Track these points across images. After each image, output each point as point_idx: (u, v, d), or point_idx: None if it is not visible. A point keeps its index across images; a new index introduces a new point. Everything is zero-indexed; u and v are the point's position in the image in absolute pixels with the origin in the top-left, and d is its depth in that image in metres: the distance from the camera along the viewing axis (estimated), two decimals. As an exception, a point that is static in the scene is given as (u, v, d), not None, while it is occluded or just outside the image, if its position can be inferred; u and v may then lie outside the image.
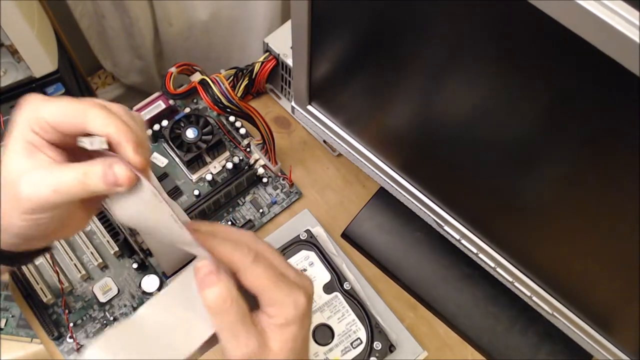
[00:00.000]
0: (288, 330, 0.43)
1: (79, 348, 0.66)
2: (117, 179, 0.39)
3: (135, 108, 0.77)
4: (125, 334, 0.43)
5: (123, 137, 0.40)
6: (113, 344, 0.42)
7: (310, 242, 0.71)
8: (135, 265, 0.71)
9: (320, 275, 0.69)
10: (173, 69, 0.76)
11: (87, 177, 0.39)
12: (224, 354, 0.43)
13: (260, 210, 0.77)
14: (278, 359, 0.43)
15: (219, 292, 0.41)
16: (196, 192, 0.75)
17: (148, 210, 0.42)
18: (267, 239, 0.70)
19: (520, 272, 0.61)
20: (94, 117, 0.40)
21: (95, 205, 0.46)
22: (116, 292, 0.70)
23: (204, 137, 0.75)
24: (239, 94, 0.80)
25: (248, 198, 0.77)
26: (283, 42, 0.78)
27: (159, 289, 0.70)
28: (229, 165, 0.76)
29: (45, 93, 0.83)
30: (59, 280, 0.69)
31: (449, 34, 0.45)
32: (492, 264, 0.63)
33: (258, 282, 0.43)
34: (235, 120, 0.79)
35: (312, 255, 0.70)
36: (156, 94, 0.79)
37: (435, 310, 0.74)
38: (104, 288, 0.70)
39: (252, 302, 0.43)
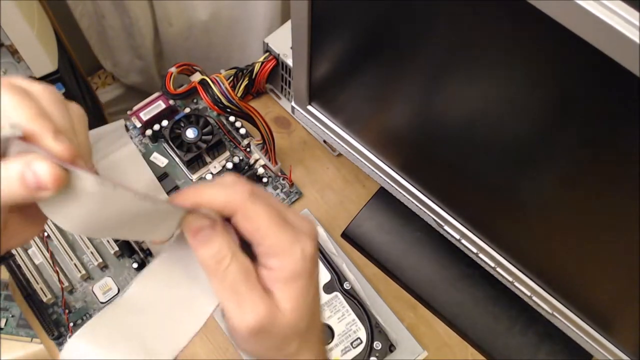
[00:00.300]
0: (297, 285, 0.37)
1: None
2: (40, 181, 0.29)
3: (135, 108, 0.77)
4: (112, 320, 0.37)
5: (37, 125, 0.31)
6: (98, 332, 0.36)
7: (310, 242, 0.71)
8: (135, 265, 0.71)
9: (320, 275, 0.69)
10: (173, 69, 0.76)
11: None
12: (228, 326, 0.37)
13: (260, 210, 0.77)
14: (292, 321, 0.37)
15: (216, 249, 0.36)
16: (196, 192, 0.75)
17: (102, 206, 0.32)
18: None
19: (520, 271, 0.61)
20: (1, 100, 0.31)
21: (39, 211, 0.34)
22: (116, 291, 0.70)
23: (204, 137, 0.75)
24: (239, 94, 0.80)
25: (248, 198, 0.77)
26: (283, 42, 0.78)
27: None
28: (229, 165, 0.76)
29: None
30: (59, 280, 0.69)
31: (449, 34, 0.45)
32: (492, 264, 0.63)
33: (258, 225, 0.36)
34: (235, 120, 0.79)
35: (312, 255, 0.70)
36: (156, 94, 0.79)
37: (435, 310, 0.74)
38: (104, 288, 0.70)
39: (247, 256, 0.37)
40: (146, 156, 0.77)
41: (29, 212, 0.35)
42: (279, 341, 0.38)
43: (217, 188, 0.37)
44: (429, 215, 0.65)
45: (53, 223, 0.70)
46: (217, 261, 0.35)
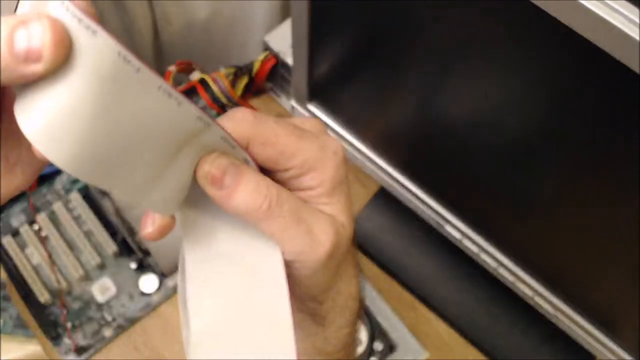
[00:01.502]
0: (342, 193, 0.33)
1: (77, 349, 0.66)
2: (33, 44, 0.21)
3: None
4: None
5: None
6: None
7: (310, 242, 0.70)
8: (133, 265, 0.70)
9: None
10: (172, 68, 0.76)
11: None
12: (297, 264, 0.32)
13: (260, 210, 0.76)
14: (350, 231, 0.33)
15: (254, 185, 0.30)
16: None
17: (121, 96, 0.22)
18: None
19: (522, 271, 0.61)
20: None
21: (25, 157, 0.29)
22: (114, 292, 0.69)
23: (203, 136, 0.75)
24: (238, 93, 0.80)
25: (247, 197, 0.77)
26: (283, 40, 0.78)
27: (158, 288, 0.70)
28: (229, 165, 0.76)
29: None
30: (57, 280, 0.68)
31: (449, 33, 0.45)
32: (494, 264, 0.62)
33: (281, 146, 0.31)
34: (235, 119, 0.79)
35: (311, 255, 0.70)
36: (155, 93, 0.78)
37: (436, 310, 0.74)
38: (102, 288, 0.70)
39: None
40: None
41: (11, 154, 0.29)
42: (342, 256, 0.33)
43: (222, 123, 0.32)
44: (430, 214, 0.65)
45: (51, 222, 0.70)
46: (264, 196, 0.29)
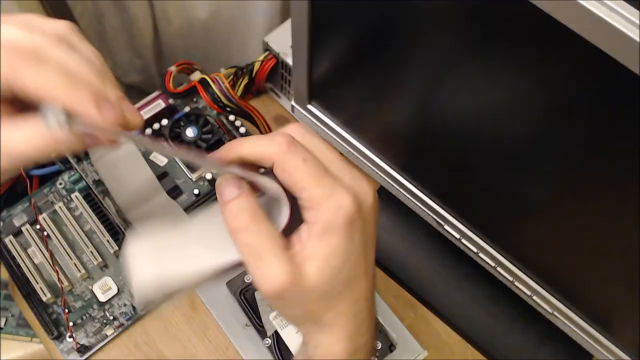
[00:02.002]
0: (328, 241, 0.36)
1: (79, 347, 0.66)
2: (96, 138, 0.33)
3: (135, 107, 0.77)
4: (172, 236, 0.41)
5: (74, 97, 0.32)
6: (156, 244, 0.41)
7: (310, 242, 0.71)
8: (135, 265, 0.71)
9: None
10: (173, 68, 0.76)
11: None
12: (259, 289, 0.37)
13: (260, 210, 0.77)
14: (316, 284, 0.36)
15: (238, 206, 0.36)
16: (196, 191, 0.75)
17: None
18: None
19: (521, 271, 0.61)
20: (27, 72, 0.30)
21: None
22: (116, 291, 0.70)
23: (203, 136, 0.75)
24: (238, 93, 0.80)
25: (248, 197, 0.77)
26: (283, 40, 0.78)
27: (159, 288, 0.70)
28: (229, 165, 0.76)
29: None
30: (59, 280, 0.68)
31: (449, 33, 0.45)
32: (493, 263, 0.63)
33: (294, 177, 0.36)
34: (235, 120, 0.79)
35: (312, 255, 0.70)
36: (156, 93, 0.79)
37: (436, 310, 0.74)
38: (103, 287, 0.70)
39: (296, 221, 0.37)
40: (146, 155, 0.77)
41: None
42: (303, 306, 0.37)
43: (257, 140, 0.37)
44: (429, 214, 0.65)
45: (53, 222, 0.71)
46: (241, 217, 0.36)
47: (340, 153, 0.39)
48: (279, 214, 0.38)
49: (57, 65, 0.33)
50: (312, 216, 0.36)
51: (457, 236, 0.64)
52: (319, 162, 0.37)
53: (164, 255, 0.40)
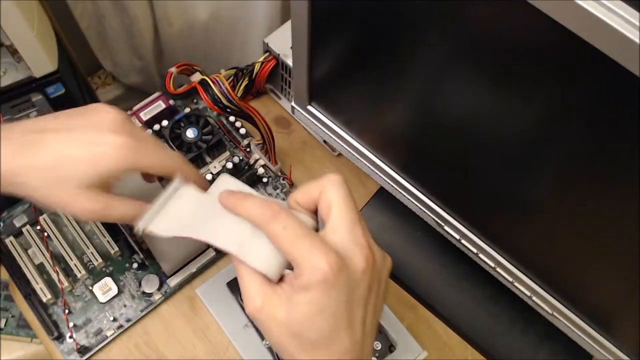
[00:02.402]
0: (302, 294, 0.41)
1: (79, 348, 0.66)
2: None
3: (135, 108, 0.77)
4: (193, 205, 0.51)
5: (190, 170, 0.55)
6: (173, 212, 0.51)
7: (310, 242, 0.71)
8: (135, 265, 0.71)
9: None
10: (173, 69, 0.76)
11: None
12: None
13: (260, 210, 0.77)
14: (286, 323, 0.42)
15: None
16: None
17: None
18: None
19: (520, 272, 0.61)
20: (186, 170, 0.53)
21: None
22: (116, 292, 0.70)
23: (204, 137, 0.75)
24: (239, 94, 0.80)
25: (248, 198, 0.77)
26: (283, 42, 0.78)
27: (159, 288, 0.70)
28: (229, 165, 0.76)
29: (45, 93, 0.83)
30: (59, 280, 0.69)
31: (449, 34, 0.45)
32: (492, 264, 0.63)
33: (276, 241, 0.43)
34: (235, 120, 0.79)
35: (312, 255, 0.70)
36: (156, 94, 0.79)
37: (435, 310, 0.74)
38: (104, 288, 0.70)
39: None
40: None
41: None
42: (274, 335, 0.43)
43: (254, 205, 0.46)
44: (429, 215, 0.65)
45: (54, 223, 0.71)
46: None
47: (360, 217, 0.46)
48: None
49: (168, 149, 0.54)
50: (296, 272, 0.42)
51: (457, 237, 0.64)
52: (301, 227, 0.42)
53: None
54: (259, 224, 0.44)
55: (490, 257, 0.62)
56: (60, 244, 0.70)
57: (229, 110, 0.74)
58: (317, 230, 0.46)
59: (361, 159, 0.68)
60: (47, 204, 0.49)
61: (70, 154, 0.48)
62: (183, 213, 0.51)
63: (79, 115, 0.51)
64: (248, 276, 0.44)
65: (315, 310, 0.41)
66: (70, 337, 0.67)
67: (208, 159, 0.77)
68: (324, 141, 0.82)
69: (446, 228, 0.64)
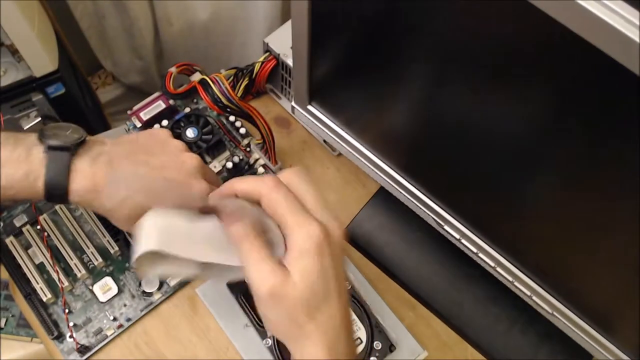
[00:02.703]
0: (303, 262, 0.45)
1: (79, 348, 0.66)
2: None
3: (135, 108, 0.77)
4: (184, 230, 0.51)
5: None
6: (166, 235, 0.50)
7: (310, 242, 0.71)
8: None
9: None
10: (173, 69, 0.76)
11: None
12: (252, 289, 0.46)
13: (260, 210, 0.77)
14: (300, 293, 0.44)
15: (243, 222, 0.47)
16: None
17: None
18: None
19: (520, 271, 0.61)
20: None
21: None
22: (116, 291, 0.70)
23: (204, 136, 0.75)
24: (239, 94, 0.80)
25: (248, 198, 0.77)
26: (283, 42, 0.78)
27: (159, 288, 0.70)
28: (229, 165, 0.76)
29: (45, 93, 0.84)
30: (59, 280, 0.69)
31: (449, 34, 0.45)
32: (492, 264, 0.63)
33: (274, 209, 0.46)
34: (235, 120, 0.79)
35: (312, 255, 0.70)
36: (156, 94, 0.79)
37: (435, 310, 0.74)
38: (104, 288, 0.70)
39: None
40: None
41: None
42: (289, 309, 0.45)
43: (249, 179, 0.48)
44: (429, 215, 0.65)
45: (54, 222, 0.71)
46: (241, 233, 0.47)
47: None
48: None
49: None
50: (289, 242, 0.46)
51: (457, 236, 0.64)
52: (297, 201, 0.47)
53: (172, 238, 0.49)
54: (260, 192, 0.47)
55: (490, 256, 0.62)
56: (60, 243, 0.70)
57: (229, 110, 0.74)
58: None
59: (361, 159, 0.68)
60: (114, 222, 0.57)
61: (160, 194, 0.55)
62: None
63: (167, 154, 0.58)
64: (257, 263, 0.46)
65: (316, 275, 0.45)
66: (71, 336, 0.67)
67: (208, 159, 0.77)
68: (324, 141, 0.82)
69: (446, 228, 0.64)
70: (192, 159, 0.58)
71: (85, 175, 0.53)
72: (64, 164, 0.52)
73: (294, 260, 0.45)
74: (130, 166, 0.55)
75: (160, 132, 0.60)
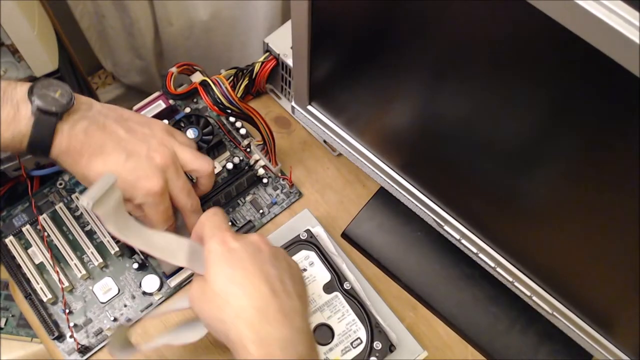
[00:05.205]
0: (208, 270, 0.55)
1: (80, 348, 0.66)
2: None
3: (135, 108, 0.77)
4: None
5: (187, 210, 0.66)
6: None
7: (310, 242, 0.71)
8: (135, 265, 0.71)
9: (320, 275, 0.69)
10: (173, 69, 0.77)
11: None
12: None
13: (260, 211, 0.77)
14: (215, 290, 0.54)
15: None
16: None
17: None
18: (267, 238, 0.69)
19: (520, 271, 0.61)
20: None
21: None
22: (116, 292, 0.70)
23: (204, 137, 0.75)
24: (239, 94, 0.80)
25: (248, 198, 0.77)
26: (283, 42, 0.78)
27: (159, 289, 0.70)
28: (229, 166, 0.76)
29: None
30: (60, 280, 0.69)
31: (449, 35, 0.45)
32: (492, 264, 0.63)
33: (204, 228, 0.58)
34: (236, 121, 0.79)
35: (312, 255, 0.70)
36: (156, 94, 0.79)
37: (435, 310, 0.74)
38: (104, 288, 0.70)
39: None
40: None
41: None
42: (211, 308, 0.55)
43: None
44: (429, 215, 0.65)
45: (54, 222, 0.71)
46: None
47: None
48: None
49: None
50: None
51: (457, 237, 0.64)
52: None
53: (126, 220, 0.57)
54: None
55: (490, 257, 0.63)
56: (61, 243, 0.70)
57: (229, 110, 0.74)
58: None
59: (361, 159, 0.68)
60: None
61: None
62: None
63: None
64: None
65: (221, 278, 0.54)
66: (71, 336, 0.67)
67: (208, 159, 0.77)
68: (324, 141, 0.82)
69: (446, 228, 0.64)
70: (164, 148, 0.62)
71: (62, 138, 0.57)
72: (50, 129, 0.56)
73: (205, 270, 0.56)
74: (104, 134, 0.59)
75: (153, 119, 0.66)
